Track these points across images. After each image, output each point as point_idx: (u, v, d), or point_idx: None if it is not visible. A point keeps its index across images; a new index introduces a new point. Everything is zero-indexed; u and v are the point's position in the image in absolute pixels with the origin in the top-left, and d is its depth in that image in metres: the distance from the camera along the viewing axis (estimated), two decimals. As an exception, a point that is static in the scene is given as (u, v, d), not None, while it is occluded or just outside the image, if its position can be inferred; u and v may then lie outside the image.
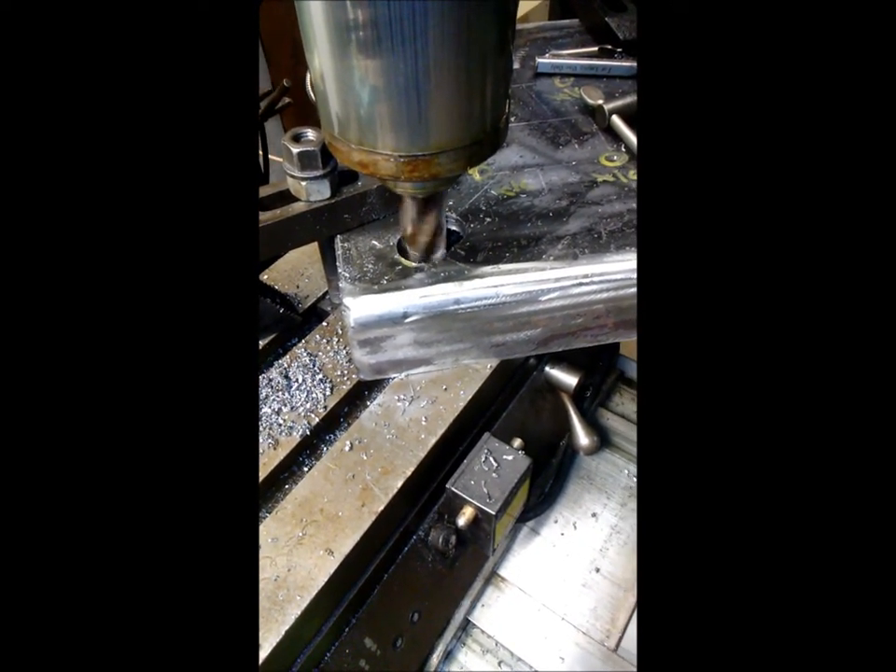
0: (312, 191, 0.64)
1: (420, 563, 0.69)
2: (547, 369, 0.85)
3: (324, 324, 0.77)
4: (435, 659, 0.76)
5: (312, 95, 0.82)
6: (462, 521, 0.64)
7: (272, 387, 0.69)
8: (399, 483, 0.61)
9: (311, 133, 0.63)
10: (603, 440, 0.98)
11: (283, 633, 0.52)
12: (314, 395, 0.69)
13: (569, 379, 0.84)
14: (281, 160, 0.64)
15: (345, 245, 0.68)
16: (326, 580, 0.55)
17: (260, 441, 0.65)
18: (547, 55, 0.93)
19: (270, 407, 0.67)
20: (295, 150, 0.61)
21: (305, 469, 0.66)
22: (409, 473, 0.62)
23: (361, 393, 0.72)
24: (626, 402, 1.07)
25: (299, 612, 0.53)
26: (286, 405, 0.68)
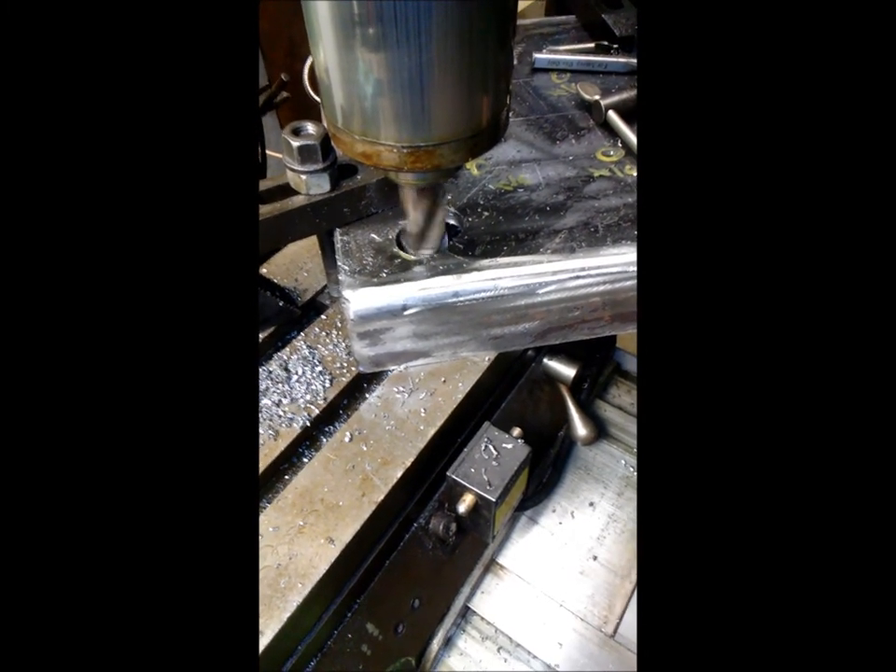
0: (312, 185, 0.64)
1: (421, 550, 0.70)
2: (545, 360, 0.85)
3: (323, 317, 0.78)
4: (435, 645, 0.77)
5: (309, 91, 0.82)
6: (462, 508, 0.65)
7: (272, 379, 0.70)
8: (399, 474, 0.62)
9: (310, 127, 0.63)
10: (600, 431, 0.99)
11: (285, 620, 0.52)
12: (313, 387, 0.69)
13: (567, 370, 0.84)
14: (277, 154, 0.64)
15: (345, 238, 0.69)
16: (327, 567, 0.55)
17: (261, 432, 0.65)
18: (544, 51, 0.93)
19: (270, 399, 0.68)
20: (295, 144, 0.61)
21: (305, 459, 0.66)
22: (408, 464, 0.62)
23: (360, 385, 0.73)
24: (623, 394, 1.08)
25: (300, 600, 0.53)
26: (286, 397, 0.68)
